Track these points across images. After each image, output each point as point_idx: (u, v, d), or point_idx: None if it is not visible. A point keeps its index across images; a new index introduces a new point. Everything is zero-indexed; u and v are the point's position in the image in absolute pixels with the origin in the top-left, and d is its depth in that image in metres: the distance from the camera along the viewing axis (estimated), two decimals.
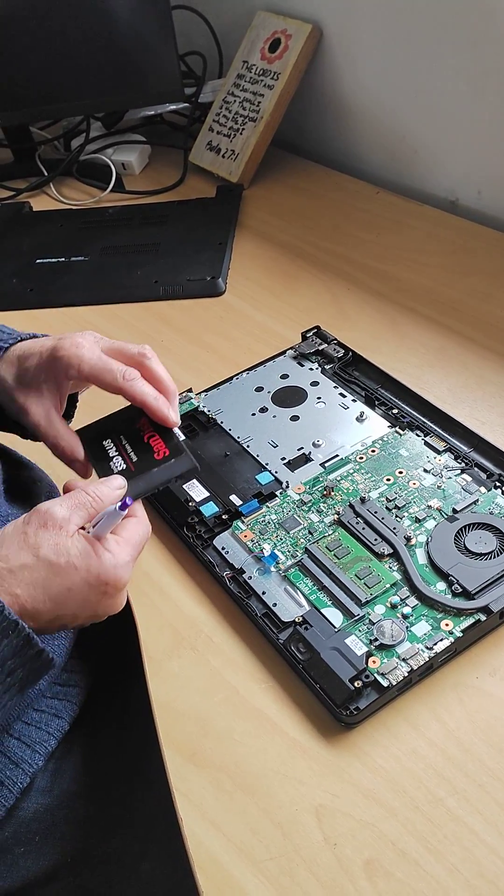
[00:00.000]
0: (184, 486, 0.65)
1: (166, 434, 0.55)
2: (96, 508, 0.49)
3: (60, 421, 0.56)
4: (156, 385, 0.56)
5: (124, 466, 0.55)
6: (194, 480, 0.65)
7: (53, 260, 0.98)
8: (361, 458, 0.65)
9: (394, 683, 0.50)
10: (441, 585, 0.55)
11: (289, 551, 0.59)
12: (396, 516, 0.60)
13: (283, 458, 0.66)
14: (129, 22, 1.04)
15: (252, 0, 1.11)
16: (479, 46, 0.86)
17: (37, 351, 0.56)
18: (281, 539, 0.60)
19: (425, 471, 0.63)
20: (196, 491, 0.65)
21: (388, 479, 0.63)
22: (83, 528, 0.48)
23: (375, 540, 0.58)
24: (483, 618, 0.52)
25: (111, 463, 0.55)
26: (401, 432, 0.67)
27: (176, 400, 0.56)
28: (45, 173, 1.15)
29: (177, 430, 0.57)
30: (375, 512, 0.60)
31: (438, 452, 0.64)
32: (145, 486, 0.54)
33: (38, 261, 0.98)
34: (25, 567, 0.45)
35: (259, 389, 0.74)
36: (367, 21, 0.97)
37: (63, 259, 0.98)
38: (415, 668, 0.50)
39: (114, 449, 0.56)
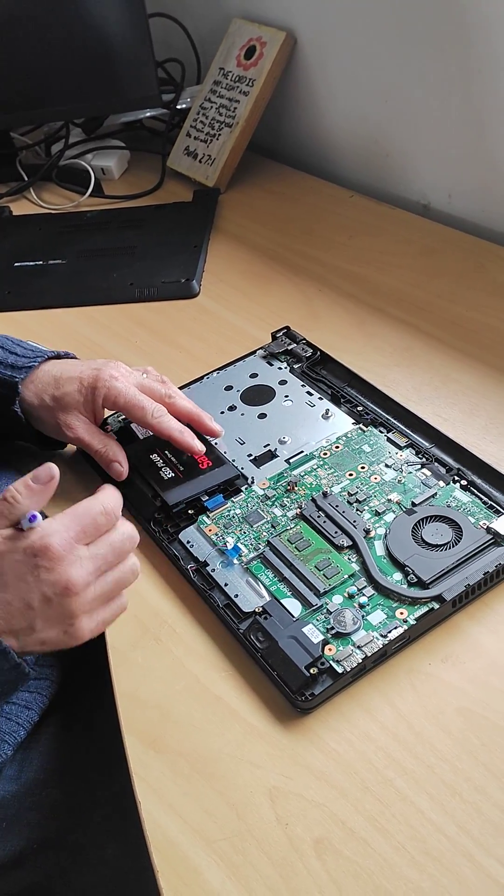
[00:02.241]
0: (150, 482, 0.66)
1: (208, 448, 0.67)
2: (12, 512, 0.48)
3: (100, 431, 0.66)
4: (183, 417, 0.66)
5: (173, 475, 0.65)
6: (163, 472, 0.67)
7: (32, 263, 1.00)
8: (325, 453, 0.67)
9: (348, 670, 0.51)
10: (398, 576, 0.56)
11: (251, 544, 0.61)
12: (357, 510, 0.61)
13: (250, 455, 0.68)
14: (108, 29, 1.05)
15: (228, 8, 1.13)
16: (445, 52, 0.88)
17: (75, 377, 0.65)
18: (244, 533, 0.62)
19: (387, 466, 0.65)
20: (162, 485, 0.66)
21: (351, 474, 0.64)
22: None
23: (335, 533, 0.60)
24: (436, 606, 0.54)
25: (160, 472, 0.66)
26: (364, 429, 0.68)
27: (209, 419, 0.68)
28: (26, 178, 1.16)
29: (219, 442, 0.68)
30: (337, 506, 0.62)
31: (400, 448, 0.66)
32: (191, 491, 0.64)
33: (16, 264, 1.00)
34: None
35: (228, 388, 0.76)
36: (339, 29, 0.99)
37: (41, 262, 1.00)
38: (369, 654, 0.52)
39: (161, 461, 0.67)
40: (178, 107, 1.17)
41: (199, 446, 0.65)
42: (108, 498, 0.50)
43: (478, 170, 0.92)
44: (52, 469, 0.50)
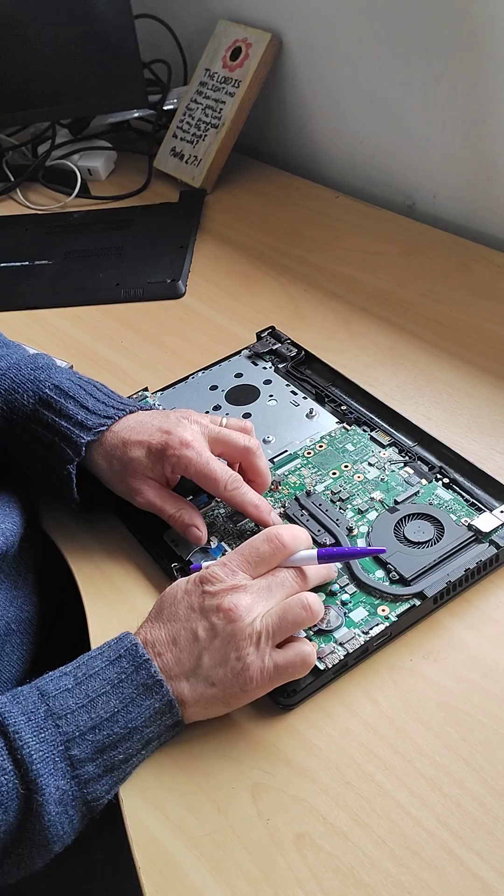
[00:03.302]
0: None
1: None
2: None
3: (172, 495, 0.61)
4: (255, 477, 0.63)
5: None
6: None
7: (18, 264, 1.00)
8: (309, 453, 0.67)
9: (330, 667, 0.51)
10: (380, 573, 0.57)
11: (235, 544, 0.61)
12: (340, 508, 0.62)
13: None
14: (94, 30, 1.06)
15: (214, 9, 1.13)
16: (430, 53, 0.89)
17: (144, 441, 0.60)
18: (228, 532, 0.62)
19: (370, 464, 0.65)
20: None
21: (334, 473, 0.65)
22: None
23: (318, 531, 0.60)
24: (418, 603, 0.54)
25: None
26: (348, 428, 0.69)
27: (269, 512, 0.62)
28: (12, 179, 1.16)
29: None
30: (320, 504, 0.62)
31: (383, 447, 0.66)
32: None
33: (2, 265, 1.00)
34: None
35: (213, 388, 0.76)
36: (324, 30, 1.00)
37: (27, 263, 1.00)
38: (351, 651, 0.52)
39: None
40: (165, 108, 1.17)
41: (276, 520, 0.60)
42: (277, 529, 0.53)
43: (462, 170, 0.93)
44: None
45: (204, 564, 0.53)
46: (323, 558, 0.53)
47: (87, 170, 1.17)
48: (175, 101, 1.17)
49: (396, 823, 0.45)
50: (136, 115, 1.20)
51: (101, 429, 0.61)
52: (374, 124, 1.00)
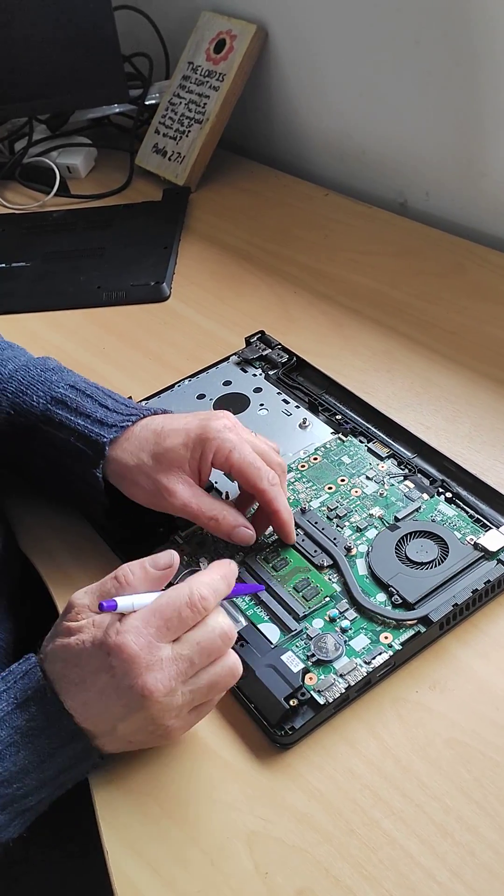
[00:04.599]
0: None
1: None
2: (119, 592, 0.45)
3: (207, 495, 0.55)
4: (275, 510, 0.55)
5: None
6: None
7: None
8: (303, 466, 0.63)
9: (330, 701, 0.48)
10: (381, 597, 0.53)
11: None
12: (337, 526, 0.58)
13: None
14: (72, 22, 1.01)
15: (197, 0, 1.09)
16: (421, 45, 0.85)
17: (180, 429, 0.54)
18: (219, 552, 0.58)
19: (368, 478, 0.61)
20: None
21: (330, 488, 0.61)
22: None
23: (315, 551, 0.56)
24: (423, 629, 0.51)
25: None
26: (343, 439, 0.65)
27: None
28: None
29: None
30: (316, 522, 0.58)
31: (381, 459, 0.63)
32: None
33: None
34: (48, 658, 0.45)
35: (201, 397, 0.72)
36: (312, 22, 0.96)
37: (4, 265, 0.95)
38: (352, 683, 0.48)
39: None
40: (147, 102, 1.13)
41: (294, 537, 0.56)
42: (199, 586, 0.44)
43: (456, 167, 0.89)
44: (172, 556, 0.47)
45: (119, 603, 0.44)
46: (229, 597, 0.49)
47: (67, 167, 1.12)
48: (157, 95, 1.13)
49: (406, 876, 0.42)
50: (116, 110, 1.15)
51: (126, 423, 0.55)
52: (364, 119, 0.97)
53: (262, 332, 0.77)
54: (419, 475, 0.61)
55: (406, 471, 0.62)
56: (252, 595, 0.55)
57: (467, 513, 0.58)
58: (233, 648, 0.51)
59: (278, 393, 0.71)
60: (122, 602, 0.44)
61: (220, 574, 0.47)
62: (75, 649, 0.43)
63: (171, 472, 0.53)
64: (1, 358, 0.63)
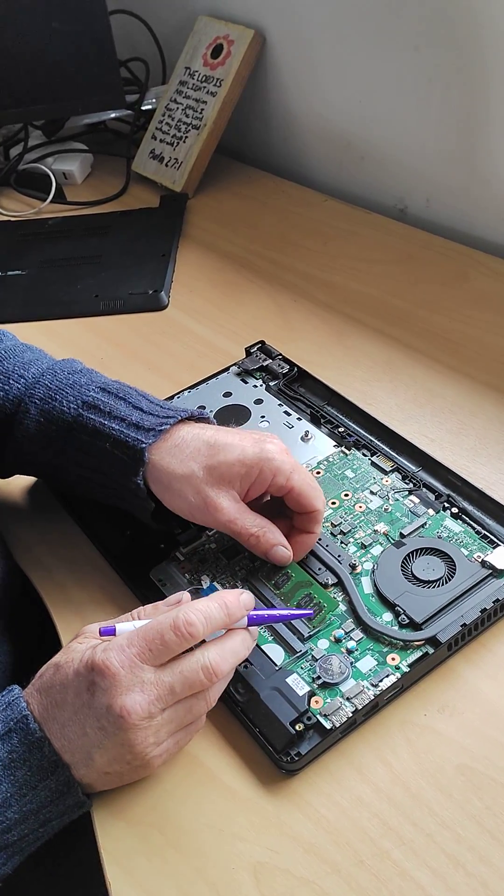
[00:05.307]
0: (119, 515, 0.61)
1: None
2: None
3: (250, 511, 0.53)
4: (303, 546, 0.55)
5: None
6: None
7: None
8: None
9: (337, 725, 0.47)
10: (387, 616, 0.52)
11: (229, 583, 0.56)
12: (342, 543, 0.57)
13: None
14: (68, 27, 1.00)
15: (193, 5, 1.08)
16: (421, 51, 0.84)
17: (236, 444, 0.53)
18: (221, 569, 0.57)
19: (372, 493, 0.60)
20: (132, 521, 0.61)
21: (334, 503, 0.60)
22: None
23: (319, 569, 0.55)
24: (431, 650, 0.49)
25: None
26: (347, 452, 0.64)
27: None
28: None
29: None
30: (320, 540, 0.57)
31: (386, 473, 0.62)
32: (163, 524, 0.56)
33: None
34: (38, 676, 0.45)
35: (201, 409, 0.71)
36: (310, 27, 0.95)
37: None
38: (359, 707, 0.47)
39: None
40: (143, 108, 1.12)
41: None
42: (187, 611, 0.43)
43: (457, 172, 0.88)
44: (183, 597, 0.47)
45: (118, 628, 0.44)
46: (251, 623, 0.47)
47: (63, 173, 1.11)
48: (153, 100, 1.12)
49: None
50: (112, 115, 1.14)
51: (164, 426, 0.53)
52: (365, 124, 0.96)
53: (262, 342, 0.76)
54: (424, 490, 0.60)
55: (411, 485, 0.60)
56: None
57: (474, 528, 0.56)
58: (237, 668, 0.50)
59: (279, 405, 0.70)
60: (122, 627, 0.44)
61: (219, 602, 0.45)
62: (63, 669, 0.43)
63: (221, 486, 0.52)
64: (23, 361, 0.60)
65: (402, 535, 0.57)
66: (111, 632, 0.44)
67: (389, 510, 0.59)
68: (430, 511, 0.58)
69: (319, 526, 0.54)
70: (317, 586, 0.54)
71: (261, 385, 0.72)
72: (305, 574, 0.55)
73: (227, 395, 0.72)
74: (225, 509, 0.51)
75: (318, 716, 0.47)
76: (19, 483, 0.67)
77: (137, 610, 0.47)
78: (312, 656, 0.50)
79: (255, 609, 0.48)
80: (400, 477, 0.61)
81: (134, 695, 0.41)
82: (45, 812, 0.43)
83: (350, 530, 0.58)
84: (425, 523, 0.57)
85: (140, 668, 0.42)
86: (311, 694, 0.48)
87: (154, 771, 0.46)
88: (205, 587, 0.56)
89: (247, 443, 0.53)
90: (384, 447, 0.64)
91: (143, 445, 0.53)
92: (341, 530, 0.58)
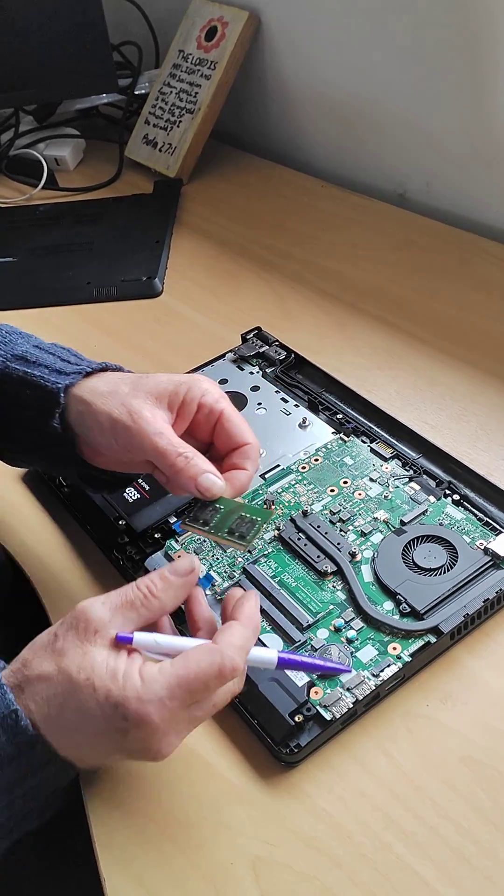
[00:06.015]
0: (113, 504, 0.60)
1: None
2: (149, 609, 0.40)
3: (181, 440, 0.47)
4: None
5: (138, 496, 0.52)
6: (127, 494, 0.60)
7: None
8: (304, 467, 0.61)
9: (337, 716, 0.45)
10: (388, 605, 0.51)
11: (225, 572, 0.55)
12: (341, 530, 0.56)
13: None
14: (59, 11, 0.98)
15: None
16: (422, 30, 0.83)
17: (163, 374, 0.49)
18: (217, 559, 0.56)
19: (371, 480, 0.59)
20: (127, 508, 0.60)
21: (333, 490, 0.59)
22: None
23: (318, 557, 0.54)
24: (433, 640, 0.48)
25: (124, 493, 0.53)
26: (345, 439, 0.63)
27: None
28: None
29: None
30: (318, 526, 0.56)
31: (385, 460, 0.61)
32: (159, 514, 0.51)
33: None
34: (44, 678, 0.38)
35: None
36: (306, 7, 0.93)
37: None
38: (360, 698, 0.46)
39: None
40: (136, 92, 1.10)
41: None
42: (233, 654, 0.39)
43: (458, 156, 0.87)
44: (193, 561, 0.43)
45: (135, 640, 0.40)
46: (281, 665, 0.43)
47: (54, 159, 1.09)
48: (147, 85, 1.10)
49: None
50: (105, 100, 1.12)
51: (86, 370, 0.50)
52: (363, 108, 0.94)
53: (258, 329, 0.75)
54: (425, 476, 0.59)
55: (411, 472, 0.59)
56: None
57: (476, 516, 0.55)
58: None
59: (276, 391, 0.69)
60: (141, 639, 0.40)
61: (252, 627, 0.42)
62: (83, 693, 0.38)
63: (148, 399, 0.47)
64: None
65: (402, 523, 0.55)
66: (128, 640, 0.40)
67: (389, 497, 0.57)
68: (431, 498, 0.57)
69: (254, 464, 0.48)
70: (247, 505, 0.47)
71: (257, 372, 0.71)
72: (305, 567, 0.54)
73: (223, 382, 0.70)
74: (151, 420, 0.46)
75: (317, 707, 0.46)
76: (12, 472, 0.66)
77: (145, 582, 0.41)
78: (312, 646, 0.49)
79: (286, 652, 0.45)
80: (400, 464, 0.60)
81: (170, 738, 0.38)
82: (18, 788, 0.39)
83: (349, 518, 0.56)
84: (426, 510, 0.56)
85: (178, 714, 0.38)
86: (311, 684, 0.47)
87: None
88: (201, 576, 0.54)
89: (176, 375, 0.50)
90: (384, 434, 0.63)
91: (60, 386, 0.49)
92: (340, 518, 0.56)
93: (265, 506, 0.58)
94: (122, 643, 0.39)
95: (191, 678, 0.38)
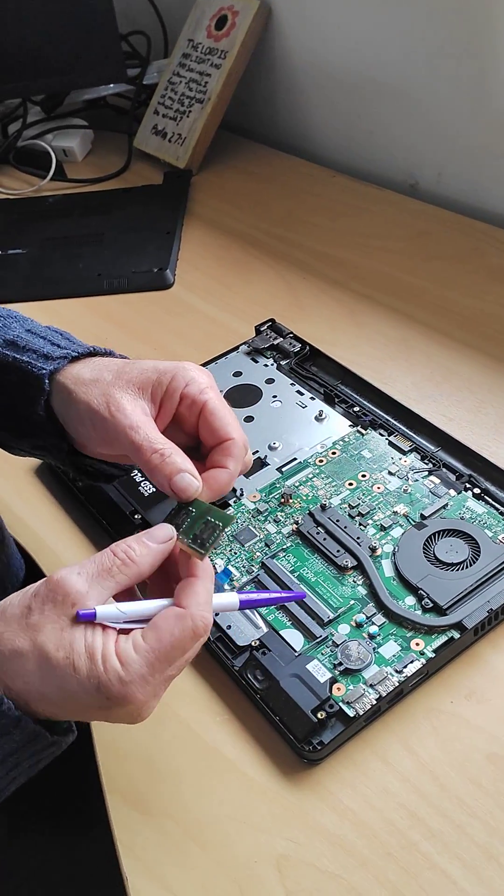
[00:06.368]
0: (128, 499, 0.59)
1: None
2: (127, 575, 0.39)
3: (161, 434, 0.44)
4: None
5: (153, 490, 0.48)
6: (143, 488, 0.60)
7: None
8: (321, 461, 0.60)
9: (361, 713, 0.45)
10: (410, 600, 0.50)
11: (244, 566, 0.54)
12: (360, 524, 0.55)
13: None
14: (66, 0, 0.97)
15: None
16: (433, 19, 0.82)
17: (150, 361, 0.47)
18: (235, 553, 0.55)
19: (390, 473, 0.58)
20: (143, 502, 0.59)
21: (351, 484, 0.58)
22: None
23: (338, 552, 0.53)
24: (456, 635, 0.48)
25: (139, 487, 0.50)
26: (363, 432, 0.62)
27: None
28: None
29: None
30: (337, 520, 0.55)
31: (404, 453, 0.60)
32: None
33: None
34: (18, 654, 0.37)
35: None
36: None
37: None
38: (383, 694, 0.46)
39: (140, 474, 0.49)
40: (145, 82, 1.09)
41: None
42: (203, 612, 0.38)
43: (469, 145, 0.86)
44: (168, 530, 0.41)
45: (99, 614, 0.38)
46: (244, 607, 0.42)
47: (62, 150, 1.08)
48: (155, 75, 1.09)
49: None
50: (113, 90, 1.11)
51: (72, 354, 0.48)
52: (374, 97, 0.93)
53: (272, 321, 0.74)
54: (444, 470, 0.58)
55: (430, 465, 0.58)
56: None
57: (498, 510, 0.54)
58: (255, 654, 0.48)
59: (292, 384, 0.68)
60: (104, 612, 0.38)
61: (209, 576, 0.40)
62: (63, 671, 0.36)
63: (130, 390, 0.44)
64: None
65: (422, 517, 0.55)
66: (91, 617, 0.37)
67: (409, 491, 0.57)
68: (452, 492, 0.56)
69: (236, 463, 0.44)
70: (214, 508, 0.43)
71: (272, 364, 0.70)
72: (325, 562, 0.53)
73: (238, 374, 0.70)
74: (129, 412, 0.43)
75: (340, 703, 0.45)
76: (24, 466, 0.65)
77: (121, 547, 0.39)
78: (333, 642, 0.49)
79: (244, 592, 0.44)
80: (419, 457, 0.59)
81: (151, 703, 0.38)
82: (11, 759, 0.38)
83: (368, 512, 0.56)
84: (447, 504, 0.55)
85: (159, 683, 0.38)
86: (333, 681, 0.47)
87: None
88: (219, 571, 0.54)
89: (163, 362, 0.47)
90: (401, 427, 0.62)
91: (45, 371, 0.47)
92: (359, 512, 0.56)
93: (282, 499, 0.58)
94: (85, 620, 0.37)
95: (167, 649, 0.37)
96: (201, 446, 0.47)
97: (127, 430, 0.43)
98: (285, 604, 0.51)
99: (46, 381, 0.47)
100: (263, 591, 0.48)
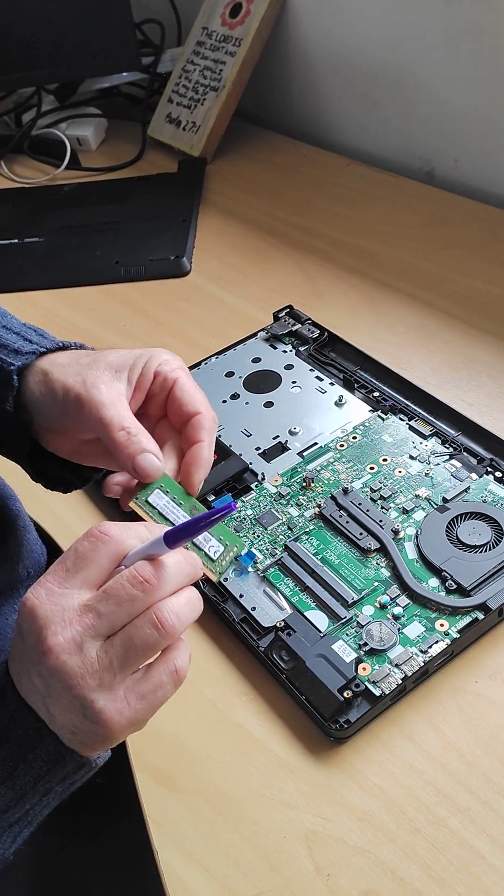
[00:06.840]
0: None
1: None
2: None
3: (133, 417, 0.43)
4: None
5: None
6: None
7: (6, 242, 0.92)
8: (342, 445, 0.61)
9: (386, 692, 0.45)
10: (434, 582, 0.50)
11: (267, 549, 0.55)
12: (382, 508, 0.55)
13: (258, 448, 0.62)
14: None
15: None
16: (451, 5, 0.82)
17: (126, 349, 0.46)
18: (258, 536, 0.55)
19: (411, 457, 0.59)
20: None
21: (372, 468, 0.58)
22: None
23: (361, 534, 0.54)
24: (481, 616, 0.48)
25: None
26: (383, 416, 0.62)
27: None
28: None
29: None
30: (360, 504, 0.55)
31: (425, 437, 0.60)
32: None
33: None
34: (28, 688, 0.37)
35: (230, 375, 0.69)
36: None
37: (16, 241, 0.92)
38: (409, 674, 0.46)
39: None
40: (159, 71, 1.09)
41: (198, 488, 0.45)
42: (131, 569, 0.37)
43: (486, 131, 0.86)
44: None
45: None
46: (172, 539, 0.37)
47: (77, 139, 1.08)
48: (169, 63, 1.09)
49: (478, 878, 0.39)
50: (126, 78, 1.11)
51: (41, 350, 0.47)
52: (389, 84, 0.93)
53: (290, 307, 0.74)
54: (465, 454, 0.58)
55: (451, 449, 0.59)
56: (297, 581, 0.52)
57: None
58: (280, 634, 0.48)
59: (311, 370, 0.68)
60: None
61: (144, 529, 0.39)
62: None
63: (106, 372, 0.44)
64: None
65: (444, 500, 0.55)
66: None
67: (430, 474, 0.57)
68: (473, 475, 0.56)
69: (210, 435, 0.44)
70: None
71: (290, 350, 0.70)
72: (349, 545, 0.53)
73: (256, 360, 0.70)
74: (104, 391, 0.43)
75: (366, 682, 0.46)
76: None
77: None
78: (358, 623, 0.49)
79: (171, 530, 0.38)
80: (439, 441, 0.60)
81: (54, 625, 0.35)
82: (44, 783, 0.38)
83: (390, 495, 0.56)
84: (468, 487, 0.56)
85: (56, 592, 0.36)
86: (358, 660, 0.47)
87: (118, 734, 0.36)
88: (243, 553, 0.54)
89: (135, 350, 0.47)
90: (421, 411, 0.62)
91: (13, 367, 0.46)
92: (381, 495, 0.56)
93: (304, 483, 0.58)
94: None
95: (112, 606, 0.36)
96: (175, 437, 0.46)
97: (99, 407, 0.43)
98: (308, 585, 0.51)
99: (15, 377, 0.46)
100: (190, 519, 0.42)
